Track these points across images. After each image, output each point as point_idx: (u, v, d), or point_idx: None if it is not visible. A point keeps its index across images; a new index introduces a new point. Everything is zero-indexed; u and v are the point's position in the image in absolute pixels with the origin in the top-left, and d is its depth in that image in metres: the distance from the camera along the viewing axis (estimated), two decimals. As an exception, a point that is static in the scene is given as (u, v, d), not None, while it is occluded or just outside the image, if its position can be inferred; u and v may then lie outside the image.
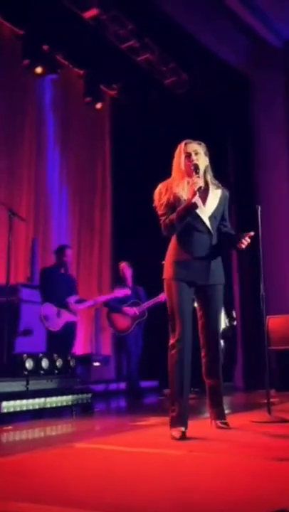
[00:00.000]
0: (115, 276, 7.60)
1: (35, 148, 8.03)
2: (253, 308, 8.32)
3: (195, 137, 3.47)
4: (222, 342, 10.10)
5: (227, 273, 3.73)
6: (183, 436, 2.94)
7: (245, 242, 3.26)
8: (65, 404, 4.63)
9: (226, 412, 3.48)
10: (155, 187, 3.37)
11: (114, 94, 9.22)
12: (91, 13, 7.47)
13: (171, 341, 3.17)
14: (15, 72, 7.72)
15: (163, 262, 5.42)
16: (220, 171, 9.33)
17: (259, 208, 3.94)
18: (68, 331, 5.96)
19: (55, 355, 4.86)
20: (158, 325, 5.27)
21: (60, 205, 8.34)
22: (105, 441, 2.86)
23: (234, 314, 9.35)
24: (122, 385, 7.09)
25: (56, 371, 4.87)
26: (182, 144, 3.38)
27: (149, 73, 8.61)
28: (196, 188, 3.18)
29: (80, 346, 8.08)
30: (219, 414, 3.36)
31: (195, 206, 3.22)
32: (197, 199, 3.23)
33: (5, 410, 4.13)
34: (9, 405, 4.18)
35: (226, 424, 3.34)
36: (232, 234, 3.41)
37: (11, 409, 4.19)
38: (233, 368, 8.50)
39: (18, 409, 4.26)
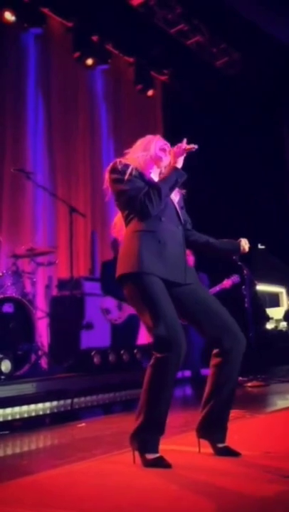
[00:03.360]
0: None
1: (89, 141, 8.08)
2: None
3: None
4: (285, 324, 9.99)
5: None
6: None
7: (247, 246, 2.76)
8: (134, 397, 4.68)
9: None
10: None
11: (165, 80, 9.13)
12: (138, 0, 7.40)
13: (157, 347, 2.39)
14: (67, 65, 7.79)
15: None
16: (277, 154, 9.10)
17: None
18: (132, 324, 6.00)
19: (122, 350, 4.91)
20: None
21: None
22: (181, 441, 2.85)
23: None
24: (187, 373, 7.09)
25: (123, 365, 4.92)
26: (156, 136, 2.76)
27: (199, 56, 8.46)
28: (187, 146, 2.57)
29: (144, 336, 8.14)
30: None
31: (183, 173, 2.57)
32: None
33: (76, 406, 4.23)
34: (80, 401, 4.27)
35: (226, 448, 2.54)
36: (217, 241, 2.81)
37: (82, 405, 4.28)
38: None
39: (89, 404, 4.35)
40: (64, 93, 7.77)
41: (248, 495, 2.00)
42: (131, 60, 8.60)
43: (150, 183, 2.59)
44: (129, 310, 6.01)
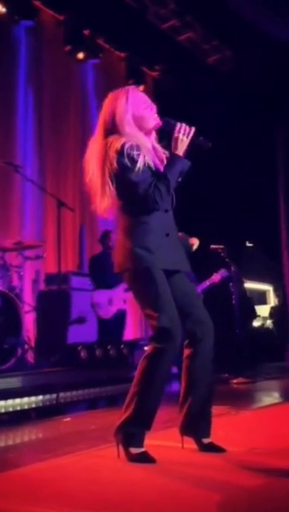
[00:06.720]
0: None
1: (80, 135, 8.03)
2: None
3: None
4: (270, 321, 10.04)
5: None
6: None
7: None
8: (120, 392, 4.69)
9: (281, 400, 3.32)
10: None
11: (156, 76, 9.11)
12: (131, -6, 7.37)
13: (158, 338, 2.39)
14: (58, 58, 7.74)
15: (213, 246, 5.16)
16: (267, 154, 9.12)
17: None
18: (119, 319, 6.02)
19: (108, 345, 4.92)
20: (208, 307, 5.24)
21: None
22: (164, 437, 2.86)
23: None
24: (174, 369, 7.10)
25: (110, 360, 4.93)
26: (136, 91, 2.66)
27: (191, 52, 8.45)
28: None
29: (130, 331, 8.15)
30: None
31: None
32: None
33: (62, 401, 4.22)
34: (66, 396, 4.27)
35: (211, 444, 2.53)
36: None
37: (68, 400, 4.28)
38: (285, 347, 8.44)
39: (74, 399, 4.34)
40: (55, 86, 7.72)
41: (235, 489, 2.01)
42: (122, 55, 8.57)
43: (158, 174, 2.49)
44: (117, 305, 6.00)
